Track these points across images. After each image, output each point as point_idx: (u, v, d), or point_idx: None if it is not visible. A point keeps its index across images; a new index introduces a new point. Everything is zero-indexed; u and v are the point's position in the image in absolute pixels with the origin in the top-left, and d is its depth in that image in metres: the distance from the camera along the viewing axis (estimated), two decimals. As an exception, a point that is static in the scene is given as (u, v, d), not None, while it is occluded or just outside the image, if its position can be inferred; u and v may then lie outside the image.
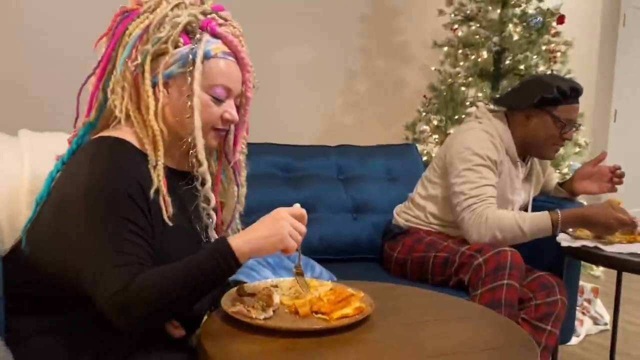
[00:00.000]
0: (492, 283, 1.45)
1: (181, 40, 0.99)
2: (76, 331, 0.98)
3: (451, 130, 2.56)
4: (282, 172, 2.04)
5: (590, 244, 1.58)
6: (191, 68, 0.97)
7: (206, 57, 0.98)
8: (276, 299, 0.98)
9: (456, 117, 2.58)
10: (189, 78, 0.97)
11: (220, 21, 1.05)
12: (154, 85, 0.98)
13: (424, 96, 2.74)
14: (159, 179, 0.95)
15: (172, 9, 0.99)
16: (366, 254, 1.97)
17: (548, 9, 2.61)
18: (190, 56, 0.97)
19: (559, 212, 1.59)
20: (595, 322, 2.63)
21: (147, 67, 0.97)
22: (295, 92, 2.73)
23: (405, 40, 3.06)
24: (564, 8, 2.76)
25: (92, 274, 0.86)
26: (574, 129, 1.76)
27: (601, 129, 4.41)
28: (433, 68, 2.82)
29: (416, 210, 1.85)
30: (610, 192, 1.86)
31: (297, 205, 0.97)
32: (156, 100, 0.98)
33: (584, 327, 2.54)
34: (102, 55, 1.04)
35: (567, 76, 2.60)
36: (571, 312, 1.90)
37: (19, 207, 1.28)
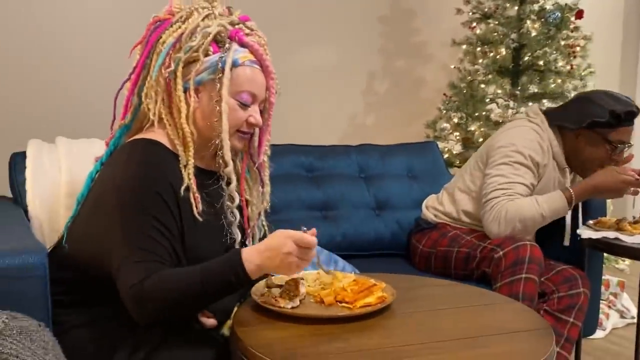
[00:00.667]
0: (510, 277, 1.46)
1: (211, 49, 1.03)
2: (113, 324, 1.01)
3: (472, 127, 2.55)
4: (305, 171, 2.05)
5: (611, 235, 1.56)
6: (220, 75, 1.01)
7: (234, 65, 1.02)
8: (302, 289, 1.01)
9: (476, 114, 2.56)
10: (218, 84, 1.01)
11: (247, 31, 1.08)
12: (185, 90, 1.03)
13: (444, 94, 2.74)
14: (189, 177, 0.99)
15: (203, 19, 1.04)
16: (389, 250, 1.97)
17: (566, 4, 2.58)
18: (220, 64, 1.01)
19: (570, 189, 1.60)
20: (622, 315, 2.59)
21: (179, 74, 1.01)
22: (318, 94, 2.77)
23: (423, 40, 3.07)
24: (583, 3, 2.71)
25: (116, 267, 0.90)
26: (625, 149, 1.70)
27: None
28: (452, 66, 2.82)
29: (449, 205, 1.84)
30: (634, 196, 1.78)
31: (304, 232, 0.94)
32: (187, 104, 1.02)
33: (610, 320, 2.51)
34: (136, 62, 1.08)
35: (586, 75, 2.61)
36: (595, 305, 1.88)
37: (58, 209, 1.35)
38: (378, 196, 2.07)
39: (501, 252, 1.50)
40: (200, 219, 1.01)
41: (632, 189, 1.60)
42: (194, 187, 1.00)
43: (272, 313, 0.95)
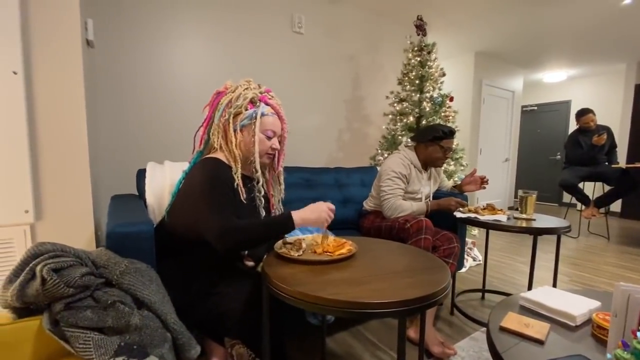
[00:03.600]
0: (416, 237, 1.50)
1: (248, 106, 1.04)
2: (194, 267, 1.02)
3: (391, 155, 2.68)
4: (304, 182, 2.10)
5: (472, 215, 1.64)
6: (254, 121, 1.03)
7: (262, 115, 1.04)
8: (304, 245, 1.01)
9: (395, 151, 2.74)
10: (253, 126, 1.02)
11: (269, 96, 1.09)
12: (235, 130, 1.03)
13: (379, 141, 2.94)
14: (238, 178, 1.00)
15: (244, 90, 1.04)
16: (351, 225, 2.03)
17: (444, 94, 2.76)
18: (254, 115, 1.03)
19: (429, 203, 1.71)
20: (474, 259, 2.78)
21: (231, 121, 1.03)
22: (312, 140, 2.88)
23: (369, 112, 3.26)
24: (454, 92, 3.06)
25: (205, 221, 0.90)
26: (451, 152, 1.81)
27: (473, 157, 4.59)
28: (383, 127, 3.04)
29: (372, 201, 1.90)
30: (480, 190, 1.92)
31: (330, 202, 1.02)
32: (236, 138, 1.03)
33: (469, 262, 2.70)
34: (206, 115, 1.09)
35: (456, 130, 2.68)
36: (462, 254, 2.01)
37: (163, 202, 1.38)
38: (345, 195, 2.16)
39: (409, 224, 1.55)
40: (244, 202, 1.01)
41: (457, 206, 1.68)
42: (240, 184, 1.00)
43: (286, 259, 0.94)
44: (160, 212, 1.34)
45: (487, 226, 1.53)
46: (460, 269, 1.99)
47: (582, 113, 3.79)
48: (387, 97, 2.93)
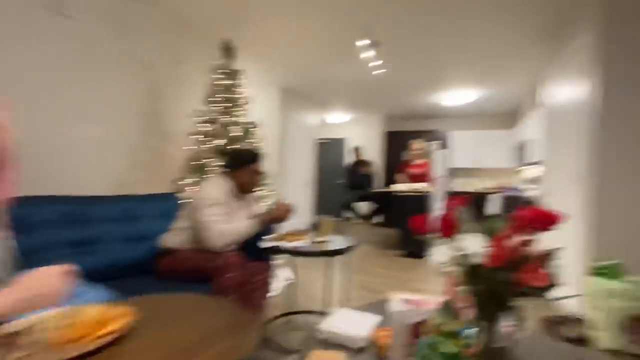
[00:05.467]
0: (221, 276, 1.43)
1: None
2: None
3: (203, 182, 2.50)
4: (66, 217, 1.60)
5: (277, 243, 1.72)
6: None
7: None
8: (33, 336, 0.67)
9: (205, 176, 2.52)
10: None
11: None
12: None
13: (184, 164, 2.64)
14: None
15: None
16: (145, 269, 1.73)
17: (253, 121, 2.81)
18: None
19: (261, 217, 1.74)
20: (286, 280, 2.86)
21: None
22: (89, 158, 2.29)
23: (172, 129, 2.94)
24: (259, 121, 3.01)
25: None
26: (261, 175, 1.84)
27: (280, 184, 5.02)
28: (188, 147, 2.71)
29: (176, 237, 1.72)
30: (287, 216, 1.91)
31: (61, 267, 0.68)
32: None
33: (279, 284, 2.74)
34: None
35: (264, 156, 2.94)
36: (272, 280, 1.88)
37: None
38: (137, 231, 1.83)
39: (214, 263, 1.46)
40: None
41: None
42: None
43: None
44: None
45: (292, 253, 1.67)
46: (270, 296, 1.95)
47: (355, 149, 4.98)
48: (192, 116, 2.70)
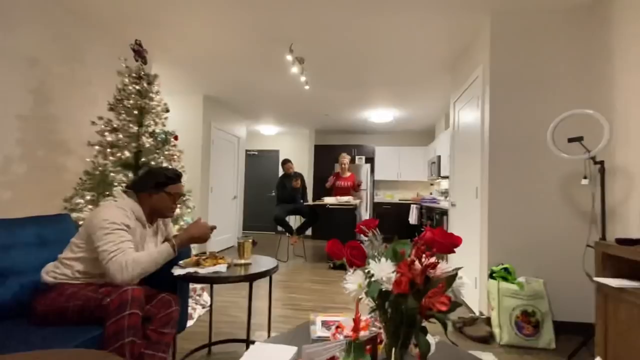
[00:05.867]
0: (117, 315, 1.20)
1: None
2: None
3: (102, 202, 2.24)
4: None
5: (191, 270, 1.53)
6: None
7: None
8: None
9: (107, 193, 2.20)
10: None
11: None
12: None
13: (80, 178, 2.28)
14: None
15: None
16: (14, 312, 1.40)
17: (169, 131, 2.56)
18: None
19: (173, 240, 1.48)
20: (203, 307, 2.66)
21: None
22: None
23: (66, 138, 2.52)
24: (178, 131, 2.87)
25: None
26: (182, 198, 1.68)
27: (204, 196, 4.71)
28: (88, 159, 2.39)
29: (64, 269, 1.41)
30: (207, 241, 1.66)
31: None
32: None
33: (197, 312, 2.53)
34: None
35: (181, 170, 2.54)
36: (184, 313, 1.78)
37: None
38: (3, 265, 1.44)
39: (109, 299, 1.23)
40: None
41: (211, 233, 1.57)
42: None
43: None
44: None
45: (209, 281, 1.48)
46: (183, 330, 1.78)
47: (285, 162, 4.96)
48: (94, 122, 2.34)
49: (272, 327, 2.32)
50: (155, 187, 1.54)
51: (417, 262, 0.67)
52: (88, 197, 2.21)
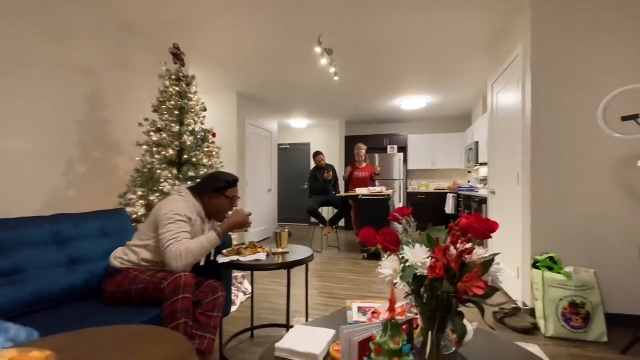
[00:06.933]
0: (172, 299, 1.33)
1: None
2: None
3: (152, 198, 2.35)
4: None
5: (234, 258, 1.65)
6: None
7: None
8: None
9: (155, 189, 2.39)
10: None
11: None
12: None
13: (132, 176, 2.50)
14: None
15: None
16: (84, 294, 1.58)
17: (207, 129, 2.68)
18: None
19: (218, 229, 1.60)
20: (245, 294, 2.79)
21: None
22: (14, 175, 2.05)
23: (118, 140, 2.75)
24: (215, 128, 3.02)
25: None
26: (237, 199, 1.73)
27: (242, 190, 4.88)
28: (137, 158, 2.61)
29: (131, 255, 1.57)
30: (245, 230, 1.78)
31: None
32: None
33: (239, 299, 2.67)
34: None
35: (220, 166, 2.72)
36: (228, 298, 1.89)
37: None
38: (72, 255, 1.62)
39: (165, 283, 1.37)
40: None
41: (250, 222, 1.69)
42: None
43: None
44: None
45: (250, 268, 1.59)
46: (227, 314, 1.91)
47: (316, 155, 5.01)
48: (140, 124, 2.52)
49: (310, 314, 2.41)
50: (216, 191, 1.67)
51: (452, 248, 0.68)
52: (139, 193, 2.40)
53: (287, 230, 1.83)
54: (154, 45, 3.11)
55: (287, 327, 1.68)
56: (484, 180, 5.23)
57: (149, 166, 2.47)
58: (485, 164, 4.78)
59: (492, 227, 0.76)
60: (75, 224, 1.74)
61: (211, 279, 1.64)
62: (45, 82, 2.25)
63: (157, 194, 2.41)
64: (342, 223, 6.78)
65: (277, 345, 0.96)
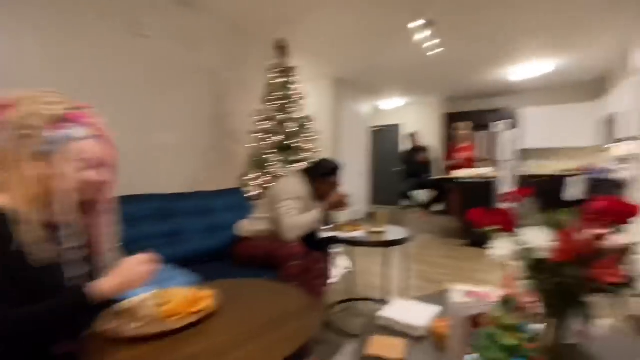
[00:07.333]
0: (287, 264, 1.53)
1: (53, 127, 0.72)
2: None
3: (263, 179, 2.66)
4: (156, 213, 1.84)
5: (335, 233, 1.83)
6: (64, 146, 0.73)
7: (77, 138, 0.75)
8: (143, 311, 0.80)
9: (266, 171, 2.66)
10: (65, 154, 0.74)
11: (86, 114, 0.79)
12: (34, 159, 0.71)
13: (247, 161, 2.83)
14: (29, 233, 0.70)
15: (34, 105, 0.72)
16: (221, 255, 1.89)
17: (306, 116, 2.88)
18: (64, 138, 0.73)
19: (320, 207, 1.76)
20: (344, 268, 2.91)
21: (25, 146, 0.71)
22: (166, 161, 2.59)
23: (236, 129, 3.15)
24: (315, 114, 3.21)
25: None
26: (337, 187, 1.89)
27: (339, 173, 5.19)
28: (251, 145, 2.88)
29: (254, 226, 1.82)
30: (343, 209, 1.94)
31: (141, 255, 0.80)
32: (36, 170, 0.72)
33: (338, 271, 2.82)
34: None
35: (319, 150, 2.91)
36: (328, 270, 2.00)
37: None
38: (212, 223, 2.02)
39: (281, 251, 1.57)
40: (37, 265, 0.70)
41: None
42: (32, 240, 0.69)
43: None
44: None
45: (350, 243, 1.73)
46: (330, 283, 2.03)
47: (411, 135, 4.81)
48: (252, 115, 2.87)
49: (406, 294, 2.44)
50: (322, 176, 1.84)
51: (582, 231, 0.63)
52: (253, 176, 2.75)
53: (384, 212, 1.89)
54: (261, 42, 3.41)
55: (383, 302, 1.75)
56: (624, 160, 4.24)
57: (260, 151, 2.79)
58: (628, 139, 3.85)
59: (632, 210, 0.68)
60: (212, 199, 2.15)
61: (317, 250, 1.81)
62: (184, 85, 2.76)
63: (268, 177, 2.72)
64: (438, 207, 6.45)
65: (380, 313, 1.01)
